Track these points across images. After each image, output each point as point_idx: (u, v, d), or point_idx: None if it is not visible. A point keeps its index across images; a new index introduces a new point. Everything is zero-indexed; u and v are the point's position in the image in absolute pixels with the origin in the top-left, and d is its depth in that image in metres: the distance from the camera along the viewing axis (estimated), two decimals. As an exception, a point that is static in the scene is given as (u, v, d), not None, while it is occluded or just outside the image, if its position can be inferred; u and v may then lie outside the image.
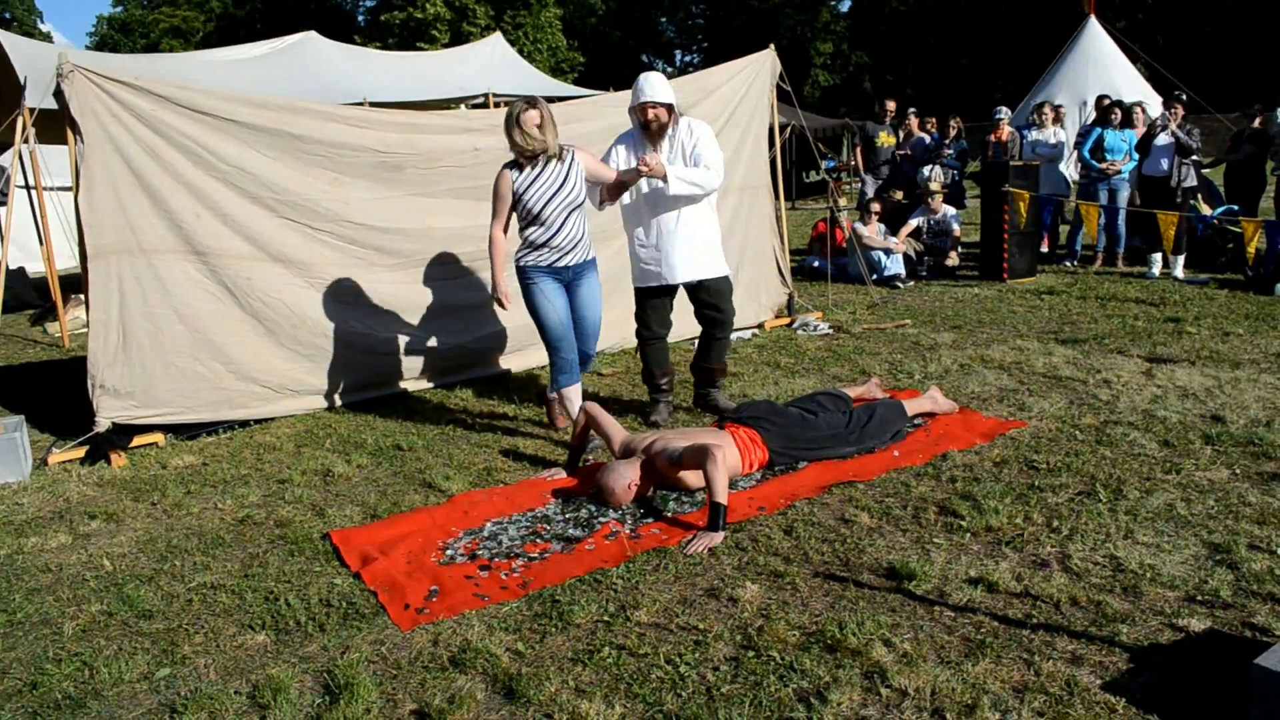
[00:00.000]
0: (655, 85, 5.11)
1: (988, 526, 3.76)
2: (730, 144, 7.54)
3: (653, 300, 5.43)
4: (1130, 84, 17.42)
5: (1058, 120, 11.48)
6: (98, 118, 5.22)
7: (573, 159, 4.99)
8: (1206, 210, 9.73)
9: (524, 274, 5.01)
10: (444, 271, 6.49)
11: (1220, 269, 9.41)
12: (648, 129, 5.13)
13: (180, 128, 5.45)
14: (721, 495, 3.88)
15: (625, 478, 4.24)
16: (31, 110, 6.62)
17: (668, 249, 5.25)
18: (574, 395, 5.18)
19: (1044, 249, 10.59)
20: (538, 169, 4.92)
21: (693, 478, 4.30)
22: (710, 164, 5.18)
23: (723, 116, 7.40)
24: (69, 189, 6.43)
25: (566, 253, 5.00)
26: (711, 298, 5.40)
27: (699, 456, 4.04)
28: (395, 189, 6.22)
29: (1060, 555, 3.49)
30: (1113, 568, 3.37)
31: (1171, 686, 2.65)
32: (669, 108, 5.13)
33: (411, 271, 6.36)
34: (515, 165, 4.96)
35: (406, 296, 6.36)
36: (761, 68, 7.68)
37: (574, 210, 4.98)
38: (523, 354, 6.84)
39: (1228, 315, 7.40)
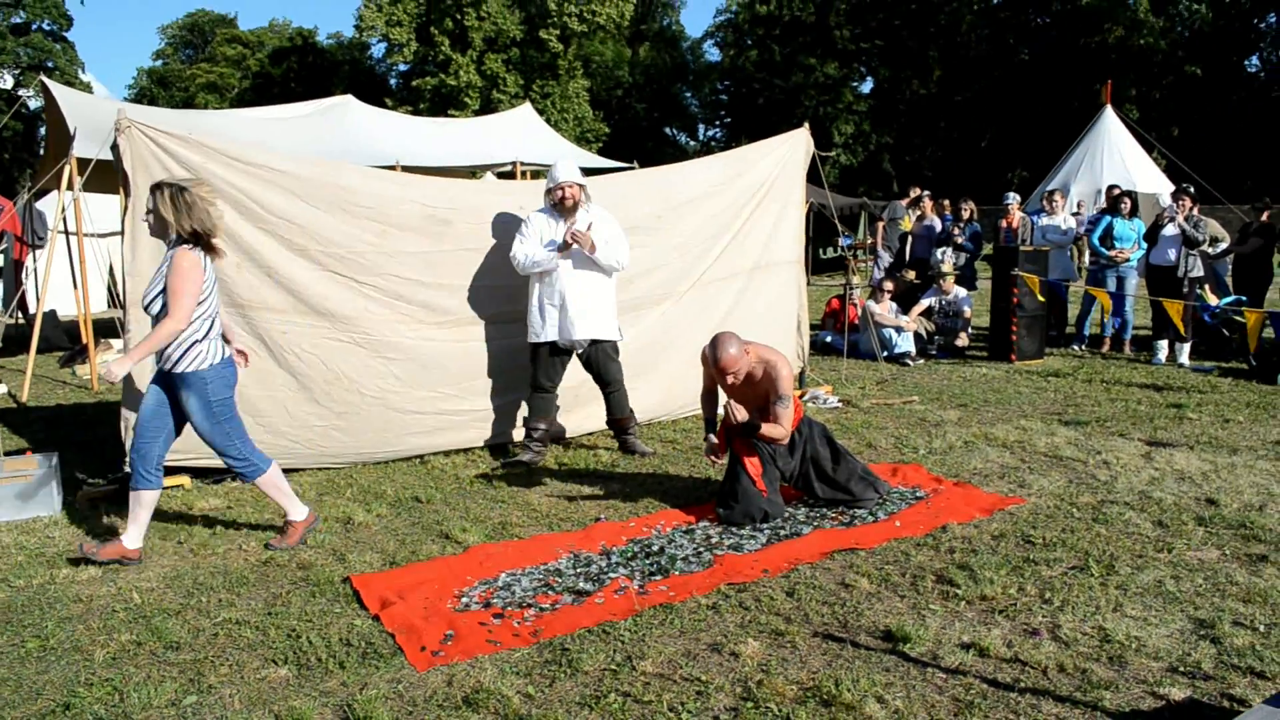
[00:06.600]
0: (569, 169, 6.11)
1: (982, 595, 3.91)
2: (767, 219, 7.66)
3: (548, 357, 6.15)
4: (1145, 174, 17.74)
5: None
6: (149, 170, 5.43)
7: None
8: (1213, 300, 9.91)
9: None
10: (490, 332, 6.42)
11: (1227, 358, 9.56)
12: (563, 204, 6.02)
13: (229, 179, 5.55)
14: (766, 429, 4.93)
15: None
16: (81, 161, 6.92)
17: (564, 310, 6.04)
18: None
19: (1052, 332, 10.79)
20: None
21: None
22: (621, 253, 6.13)
23: (760, 192, 7.54)
24: (109, 235, 6.68)
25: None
26: (595, 359, 6.19)
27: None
28: (444, 243, 6.22)
29: (1051, 624, 3.63)
30: (1100, 638, 3.50)
31: (1149, 751, 2.78)
32: (581, 186, 6.09)
33: (458, 330, 6.30)
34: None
35: (452, 355, 6.29)
36: (796, 145, 7.86)
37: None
38: (567, 414, 6.71)
39: (1229, 403, 7.54)
